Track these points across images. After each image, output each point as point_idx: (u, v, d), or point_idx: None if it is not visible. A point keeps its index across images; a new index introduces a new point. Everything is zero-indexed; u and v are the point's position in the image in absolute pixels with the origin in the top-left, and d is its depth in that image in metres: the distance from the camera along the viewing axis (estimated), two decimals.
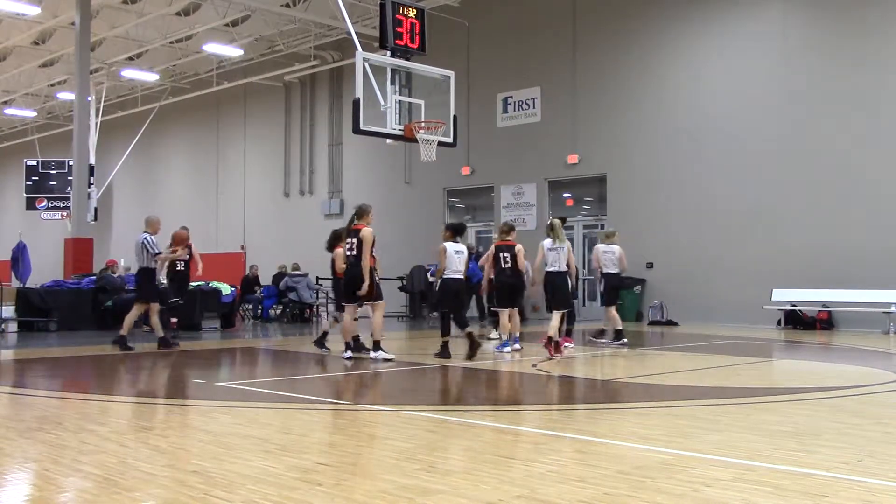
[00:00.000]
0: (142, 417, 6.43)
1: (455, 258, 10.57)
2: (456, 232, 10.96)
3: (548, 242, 11.04)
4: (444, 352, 10.56)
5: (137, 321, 16.61)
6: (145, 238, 11.91)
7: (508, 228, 11.96)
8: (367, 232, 10.31)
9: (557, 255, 11.00)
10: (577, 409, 7.18)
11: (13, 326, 16.20)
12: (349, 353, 10.55)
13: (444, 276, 10.63)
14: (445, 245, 10.67)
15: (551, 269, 11.03)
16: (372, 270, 10.45)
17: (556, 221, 11.19)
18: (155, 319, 12.03)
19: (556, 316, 10.89)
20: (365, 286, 10.24)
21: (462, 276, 10.67)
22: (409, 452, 4.94)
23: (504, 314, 11.70)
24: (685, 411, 6.71)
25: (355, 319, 10.89)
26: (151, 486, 4.13)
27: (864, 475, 4.37)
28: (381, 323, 10.63)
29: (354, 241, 10.32)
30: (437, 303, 10.56)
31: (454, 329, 10.96)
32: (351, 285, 10.44)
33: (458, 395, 8.34)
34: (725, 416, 6.38)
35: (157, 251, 11.99)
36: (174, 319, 13.09)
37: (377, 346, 10.44)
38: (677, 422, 6.10)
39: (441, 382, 9.09)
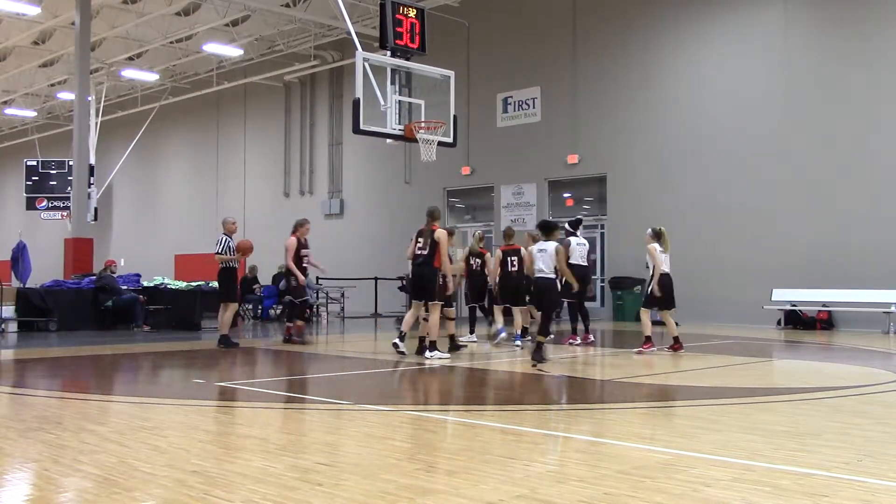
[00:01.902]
0: (142, 417, 6.43)
1: (538, 257, 10.40)
2: (547, 230, 10.61)
3: (658, 246, 11.43)
4: (540, 354, 10.09)
5: (138, 321, 16.77)
6: (220, 238, 12.48)
7: (513, 233, 13.14)
8: (442, 233, 10.87)
9: (667, 258, 11.49)
10: (577, 409, 7.18)
11: (13, 326, 16.20)
12: (437, 353, 10.66)
13: (535, 276, 10.43)
14: (531, 248, 10.73)
15: (665, 271, 11.46)
16: (436, 271, 10.85)
17: (663, 228, 11.60)
18: (227, 316, 12.49)
19: (669, 317, 11.61)
20: (451, 284, 11.18)
21: (549, 275, 10.27)
22: (409, 452, 4.94)
23: (498, 309, 12.96)
24: (685, 411, 6.71)
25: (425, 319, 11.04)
26: (151, 486, 4.13)
27: (864, 475, 4.37)
28: (437, 324, 10.89)
29: (428, 240, 10.82)
30: (536, 304, 10.75)
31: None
32: (419, 283, 10.90)
33: (458, 395, 8.34)
34: (725, 416, 6.38)
35: (219, 251, 12.38)
36: (299, 323, 12.93)
37: (433, 346, 10.63)
38: (677, 422, 6.10)
39: (441, 382, 9.09)
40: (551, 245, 10.28)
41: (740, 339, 14.47)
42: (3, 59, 31.04)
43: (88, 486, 4.15)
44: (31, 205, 32.39)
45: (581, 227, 13.55)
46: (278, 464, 4.58)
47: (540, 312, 11.86)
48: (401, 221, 24.09)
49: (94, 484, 4.18)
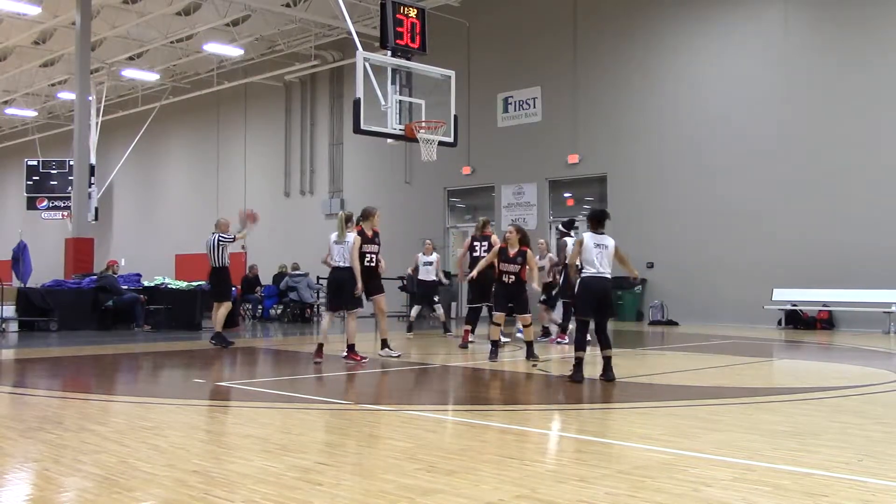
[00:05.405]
0: (142, 417, 6.43)
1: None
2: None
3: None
4: (577, 373, 8.31)
5: (138, 321, 16.78)
6: (217, 237, 12.37)
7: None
8: (497, 239, 12.08)
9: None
10: (578, 409, 7.18)
11: (14, 326, 16.21)
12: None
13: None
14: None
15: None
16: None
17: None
18: (221, 313, 12.45)
19: None
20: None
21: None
22: (409, 452, 4.94)
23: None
24: (685, 411, 6.71)
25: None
26: (151, 486, 4.13)
27: (864, 475, 4.37)
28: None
29: (486, 244, 12.37)
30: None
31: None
32: (481, 285, 11.88)
33: (458, 394, 8.34)
34: (725, 416, 6.38)
35: (231, 238, 12.46)
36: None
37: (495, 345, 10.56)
38: (677, 422, 6.10)
39: (441, 382, 9.10)
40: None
41: (740, 339, 14.47)
42: (4, 59, 31.04)
43: (89, 486, 4.15)
44: (31, 205, 32.38)
45: (574, 227, 13.53)
46: (278, 464, 4.59)
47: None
48: (401, 221, 24.08)
49: (94, 484, 4.18)
